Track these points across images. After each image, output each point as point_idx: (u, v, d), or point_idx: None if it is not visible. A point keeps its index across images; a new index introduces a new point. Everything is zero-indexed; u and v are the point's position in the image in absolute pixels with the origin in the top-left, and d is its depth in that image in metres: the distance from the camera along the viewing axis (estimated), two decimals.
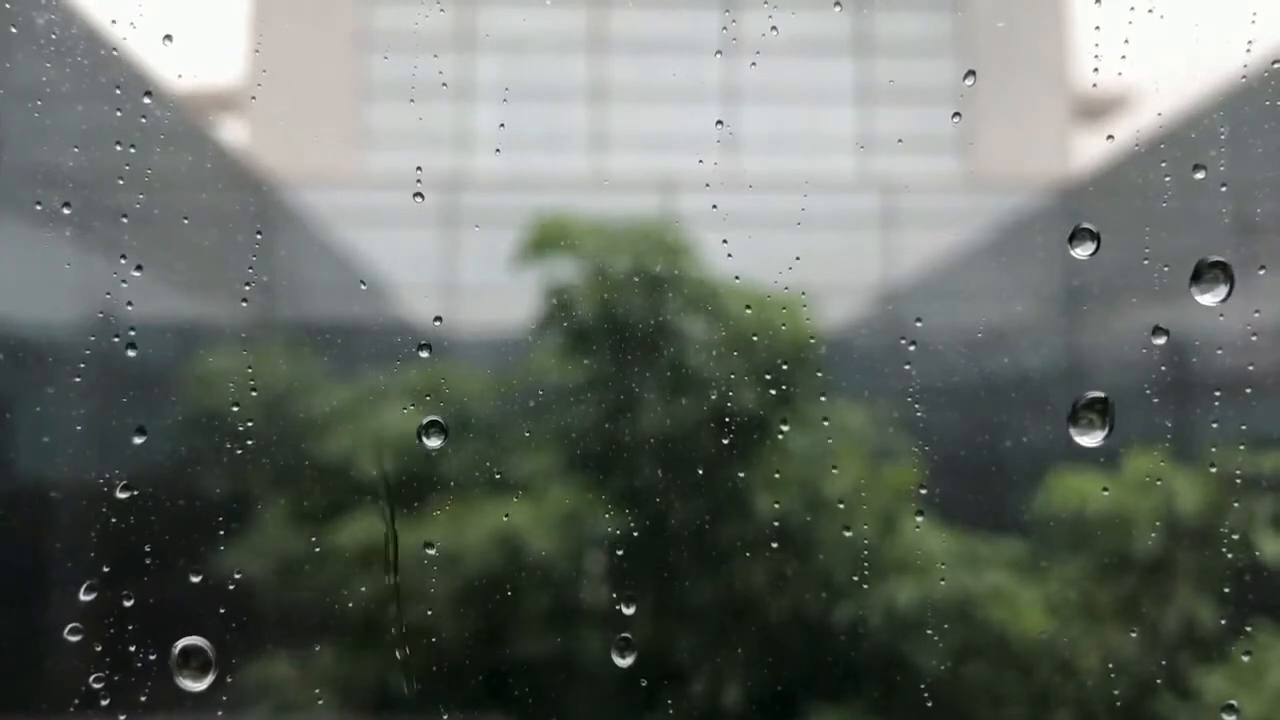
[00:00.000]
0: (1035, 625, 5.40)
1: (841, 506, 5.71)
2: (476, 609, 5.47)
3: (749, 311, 5.74)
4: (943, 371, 5.50)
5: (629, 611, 4.99)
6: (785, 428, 5.88)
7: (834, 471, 5.80)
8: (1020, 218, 7.43)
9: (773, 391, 5.73)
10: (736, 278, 5.95)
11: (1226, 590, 5.33)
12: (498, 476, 5.81)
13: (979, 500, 5.90)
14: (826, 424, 5.88)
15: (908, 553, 5.62)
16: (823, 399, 6.11)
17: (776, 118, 7.83)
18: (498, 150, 8.06)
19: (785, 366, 5.79)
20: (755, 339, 5.79)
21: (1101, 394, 2.09)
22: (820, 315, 6.75)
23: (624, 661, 3.14)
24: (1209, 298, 2.18)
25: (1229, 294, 2.13)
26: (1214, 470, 5.34)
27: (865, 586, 5.52)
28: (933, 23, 9.08)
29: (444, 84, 8.10)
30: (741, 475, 5.75)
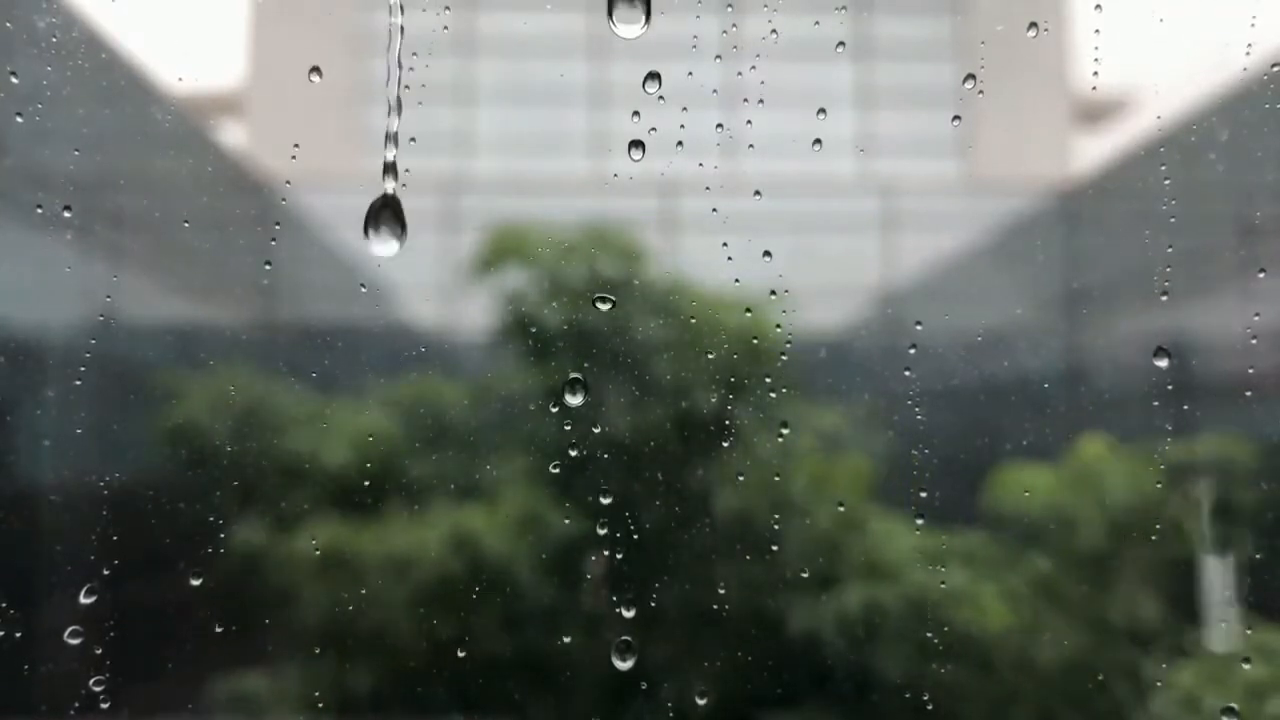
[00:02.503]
0: (996, 618, 5.43)
1: (842, 509, 5.71)
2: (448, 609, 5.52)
3: (749, 314, 5.75)
4: (941, 374, 5.51)
5: (629, 614, 4.99)
6: (785, 430, 5.89)
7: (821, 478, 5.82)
8: (1020, 220, 7.44)
9: (723, 395, 5.76)
10: (737, 280, 5.95)
11: (1172, 577, 5.38)
12: (479, 475, 5.84)
13: (974, 502, 5.90)
14: (786, 430, 5.90)
15: (900, 555, 5.62)
16: (826, 400, 6.11)
17: (777, 121, 7.83)
18: (497, 154, 8.07)
19: (754, 371, 5.85)
20: (718, 339, 5.84)
21: None
22: (819, 317, 6.76)
23: (624, 664, 3.14)
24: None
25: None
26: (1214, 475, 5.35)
27: (858, 586, 5.52)
28: (932, 26, 9.09)
29: (445, 87, 8.11)
30: (742, 477, 5.75)
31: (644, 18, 1.97)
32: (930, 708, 5.01)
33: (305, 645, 5.35)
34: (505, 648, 5.38)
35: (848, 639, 5.35)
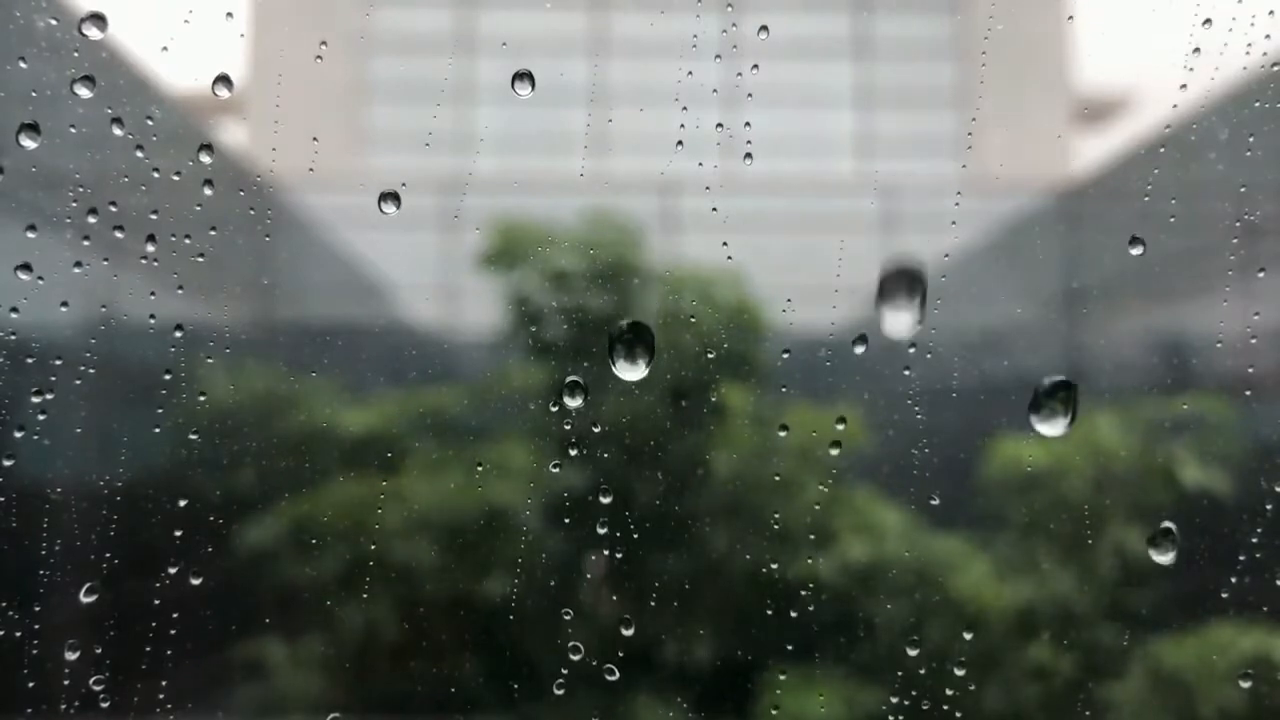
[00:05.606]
0: (990, 593, 5.51)
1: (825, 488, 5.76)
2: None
3: (787, 313, 5.80)
4: (942, 374, 5.51)
5: (629, 633, 5.00)
6: (783, 433, 5.89)
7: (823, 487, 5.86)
8: (1020, 220, 7.44)
9: (720, 385, 5.80)
10: (728, 256, 6.00)
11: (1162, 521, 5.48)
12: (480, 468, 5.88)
13: (974, 503, 5.91)
14: (784, 432, 5.94)
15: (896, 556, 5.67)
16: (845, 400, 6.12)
17: (777, 121, 7.84)
18: (487, 151, 8.06)
19: (752, 365, 5.89)
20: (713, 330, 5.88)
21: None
22: (819, 317, 6.76)
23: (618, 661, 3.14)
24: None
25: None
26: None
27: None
28: (932, 25, 9.08)
29: (444, 86, 8.10)
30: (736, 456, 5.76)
31: (645, 366, 2.15)
32: (918, 658, 5.06)
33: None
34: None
35: (841, 598, 5.43)
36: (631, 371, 2.20)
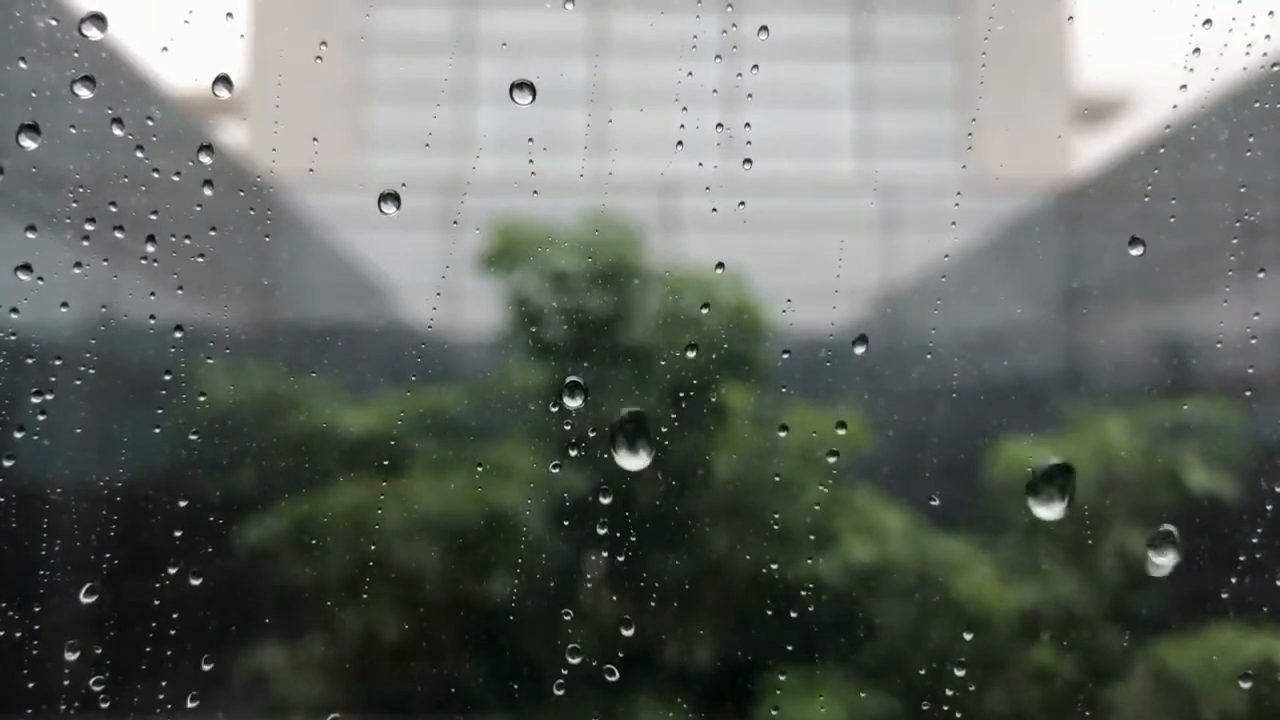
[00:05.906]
0: (993, 594, 5.51)
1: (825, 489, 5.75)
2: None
3: (787, 313, 5.80)
4: (941, 374, 5.51)
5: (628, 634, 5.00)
6: (783, 434, 5.89)
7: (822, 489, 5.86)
8: (1020, 220, 7.44)
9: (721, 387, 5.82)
10: (719, 265, 6.00)
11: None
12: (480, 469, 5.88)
13: (975, 503, 5.90)
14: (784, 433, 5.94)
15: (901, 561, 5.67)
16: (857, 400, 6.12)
17: (777, 120, 7.83)
18: (485, 151, 8.06)
19: (752, 366, 5.90)
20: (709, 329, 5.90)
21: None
22: (819, 317, 6.76)
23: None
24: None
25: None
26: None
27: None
28: (932, 25, 9.08)
29: (444, 86, 8.10)
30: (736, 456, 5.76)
31: (648, 457, 2.21)
32: (920, 660, 5.07)
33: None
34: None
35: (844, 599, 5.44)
36: (633, 461, 2.22)
